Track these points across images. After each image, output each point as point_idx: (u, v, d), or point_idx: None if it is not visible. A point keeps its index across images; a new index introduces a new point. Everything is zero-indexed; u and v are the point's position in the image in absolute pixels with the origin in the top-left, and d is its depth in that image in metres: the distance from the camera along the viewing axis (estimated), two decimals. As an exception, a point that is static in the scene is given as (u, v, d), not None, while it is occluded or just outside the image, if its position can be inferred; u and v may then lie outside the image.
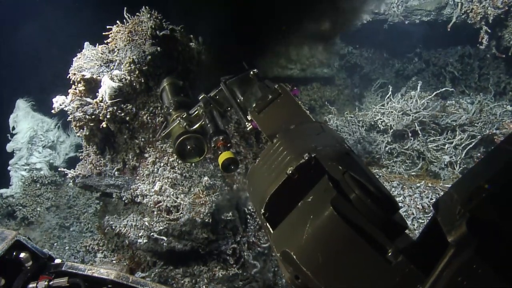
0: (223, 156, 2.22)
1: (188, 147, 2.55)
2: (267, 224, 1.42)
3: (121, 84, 3.36)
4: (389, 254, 1.10)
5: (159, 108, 3.51)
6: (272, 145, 1.62)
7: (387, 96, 5.97)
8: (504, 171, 0.93)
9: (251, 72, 2.43)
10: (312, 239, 1.16)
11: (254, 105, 1.95)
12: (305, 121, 1.82)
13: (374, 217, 1.17)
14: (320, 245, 1.16)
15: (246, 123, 2.12)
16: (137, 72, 3.34)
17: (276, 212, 1.37)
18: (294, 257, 1.18)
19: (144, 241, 3.62)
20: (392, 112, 5.61)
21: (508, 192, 0.90)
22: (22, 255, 2.30)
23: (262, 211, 1.43)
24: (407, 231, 1.35)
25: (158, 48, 3.37)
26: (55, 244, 5.51)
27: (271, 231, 1.38)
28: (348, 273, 1.14)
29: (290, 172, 1.41)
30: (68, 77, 3.53)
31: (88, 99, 3.47)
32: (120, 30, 3.62)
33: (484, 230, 0.89)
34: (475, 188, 0.92)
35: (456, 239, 0.92)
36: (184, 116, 2.53)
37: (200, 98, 2.53)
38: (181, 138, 2.50)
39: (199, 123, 2.51)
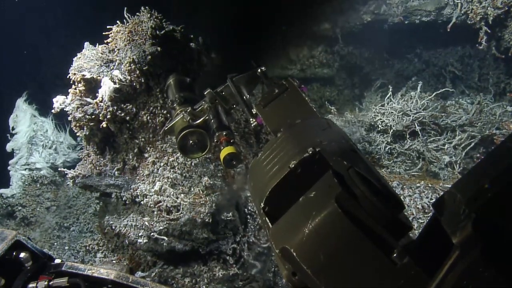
0: (225, 150, 2.18)
1: (191, 141, 2.50)
2: (267, 219, 1.36)
3: (121, 84, 3.35)
4: (395, 255, 1.05)
5: (159, 108, 3.50)
6: (275, 139, 1.56)
7: (387, 96, 5.94)
8: (509, 170, 0.91)
9: (259, 70, 2.39)
10: (314, 236, 1.11)
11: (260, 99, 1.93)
12: (311, 116, 1.77)
13: (379, 215, 1.12)
14: (322, 243, 1.11)
15: (251, 119, 2.08)
16: (137, 72, 3.33)
17: (277, 208, 1.31)
18: (294, 254, 1.12)
19: (144, 241, 3.61)
20: (392, 112, 5.59)
21: (512, 192, 0.88)
22: (22, 255, 2.29)
23: (262, 205, 1.37)
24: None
25: (158, 48, 3.36)
26: (55, 244, 5.49)
27: (271, 226, 1.32)
28: (351, 273, 1.09)
29: (293, 165, 1.36)
30: (68, 77, 3.52)
31: (88, 99, 3.46)
32: (120, 30, 3.61)
33: (489, 231, 0.87)
34: (480, 187, 0.90)
35: (461, 241, 0.89)
36: (188, 111, 2.48)
37: (205, 93, 2.47)
38: (184, 132, 2.45)
39: (202, 118, 2.46)
